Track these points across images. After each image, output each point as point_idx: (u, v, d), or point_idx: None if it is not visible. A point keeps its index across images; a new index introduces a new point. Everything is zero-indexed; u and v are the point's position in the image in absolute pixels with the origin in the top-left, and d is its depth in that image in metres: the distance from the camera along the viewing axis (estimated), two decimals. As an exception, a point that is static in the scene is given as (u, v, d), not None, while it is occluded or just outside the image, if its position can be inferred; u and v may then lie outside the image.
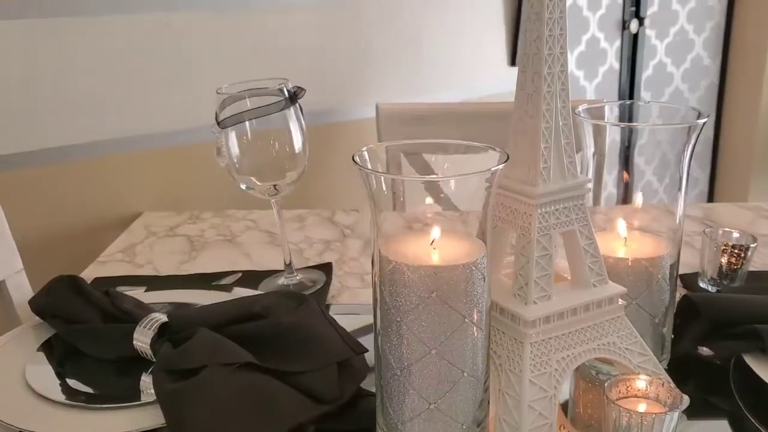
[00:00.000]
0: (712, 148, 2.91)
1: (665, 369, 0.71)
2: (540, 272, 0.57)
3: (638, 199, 0.67)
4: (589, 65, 2.39)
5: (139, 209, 1.24)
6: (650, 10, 2.48)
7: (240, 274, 0.91)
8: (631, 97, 2.51)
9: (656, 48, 2.55)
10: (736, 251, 0.84)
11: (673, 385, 0.62)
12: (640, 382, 0.56)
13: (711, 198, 2.99)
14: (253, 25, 1.41)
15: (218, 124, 0.79)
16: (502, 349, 0.59)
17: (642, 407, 0.55)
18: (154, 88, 1.30)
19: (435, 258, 0.53)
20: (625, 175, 0.70)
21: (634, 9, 2.43)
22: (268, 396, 0.57)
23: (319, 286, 0.87)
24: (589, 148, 0.66)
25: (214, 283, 0.89)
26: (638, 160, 0.76)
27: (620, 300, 0.61)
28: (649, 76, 2.55)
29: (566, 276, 0.63)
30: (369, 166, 0.54)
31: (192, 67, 1.34)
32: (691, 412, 0.65)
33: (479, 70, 1.81)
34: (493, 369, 0.59)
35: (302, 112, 0.82)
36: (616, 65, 2.46)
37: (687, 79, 2.68)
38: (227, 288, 0.85)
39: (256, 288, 0.87)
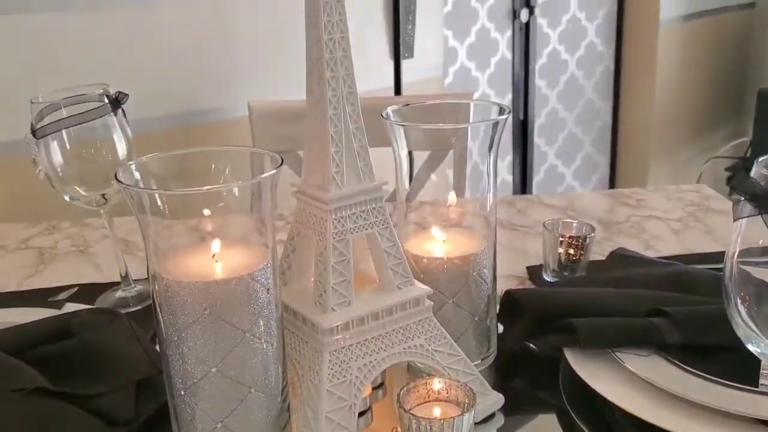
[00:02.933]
0: (612, 133, 2.98)
1: (492, 363, 0.71)
2: (338, 278, 0.56)
3: (451, 197, 0.67)
4: (480, 56, 2.40)
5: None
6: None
7: (76, 288, 0.87)
8: (526, 86, 2.54)
9: (549, 36, 2.59)
10: (574, 242, 0.85)
11: (484, 385, 0.62)
12: (437, 385, 0.55)
13: (612, 182, 3.06)
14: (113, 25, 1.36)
15: (33, 134, 0.75)
16: (304, 359, 0.57)
17: (437, 411, 0.54)
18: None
19: (216, 271, 0.51)
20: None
21: (524, -2, 2.45)
22: (56, 421, 0.54)
23: (157, 297, 0.84)
24: (402, 148, 0.66)
25: (50, 300, 0.85)
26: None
27: (427, 301, 0.60)
28: (544, 64, 2.59)
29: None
30: (141, 184, 0.52)
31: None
32: (520, 406, 0.66)
33: (359, 64, 1.79)
34: (296, 380, 0.58)
35: (125, 118, 0.79)
36: (509, 55, 2.48)
37: (582, 66, 2.73)
38: (58, 304, 0.81)
39: (93, 303, 0.83)
